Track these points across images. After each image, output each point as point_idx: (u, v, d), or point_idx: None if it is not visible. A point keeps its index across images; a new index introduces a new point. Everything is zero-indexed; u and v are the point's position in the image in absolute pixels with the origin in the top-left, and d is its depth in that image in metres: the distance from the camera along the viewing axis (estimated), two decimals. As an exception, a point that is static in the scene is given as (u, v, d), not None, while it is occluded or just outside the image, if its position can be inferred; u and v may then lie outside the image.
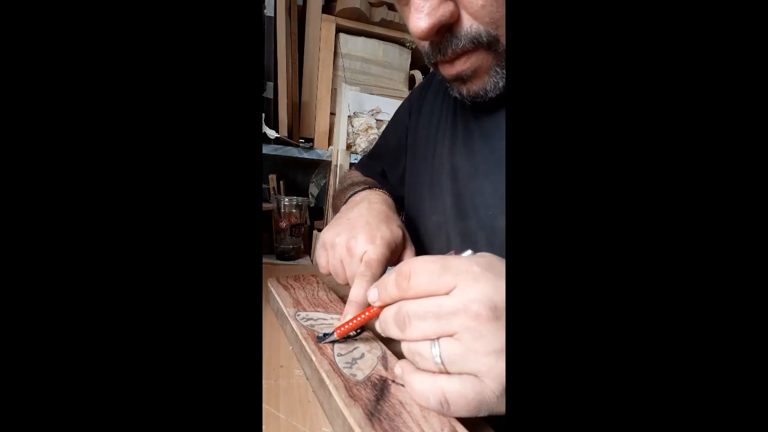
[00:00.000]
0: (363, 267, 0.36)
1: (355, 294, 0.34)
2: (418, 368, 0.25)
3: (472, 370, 0.23)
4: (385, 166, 0.62)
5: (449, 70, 0.36)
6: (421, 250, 0.48)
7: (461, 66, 0.34)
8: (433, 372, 0.24)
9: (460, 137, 0.44)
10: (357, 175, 0.63)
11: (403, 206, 0.56)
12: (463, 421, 0.23)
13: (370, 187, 0.50)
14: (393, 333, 0.26)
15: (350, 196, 0.49)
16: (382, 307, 0.28)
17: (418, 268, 0.25)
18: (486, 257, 0.26)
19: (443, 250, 0.45)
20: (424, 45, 0.35)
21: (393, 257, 0.39)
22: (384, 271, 0.37)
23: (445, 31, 0.32)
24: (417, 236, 0.49)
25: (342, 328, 0.31)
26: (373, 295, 0.28)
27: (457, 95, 0.38)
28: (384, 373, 0.27)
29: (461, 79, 0.36)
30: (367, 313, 0.30)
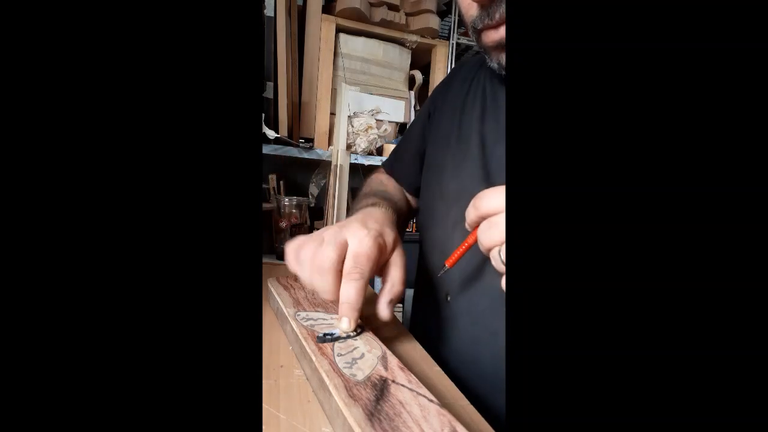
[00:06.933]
0: (350, 263, 0.34)
1: (346, 295, 0.33)
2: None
3: None
4: (406, 157, 0.63)
5: (493, 36, 0.39)
6: (438, 218, 0.49)
7: (504, 32, 0.38)
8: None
9: (489, 109, 0.48)
10: (376, 183, 0.63)
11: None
12: (463, 421, 0.23)
13: (373, 204, 0.48)
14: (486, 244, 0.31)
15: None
16: (476, 230, 0.32)
17: (484, 193, 0.31)
18: None
19: (462, 215, 0.44)
20: (473, 13, 0.39)
21: (381, 256, 0.36)
22: (374, 269, 0.35)
23: None
24: (434, 206, 0.51)
25: (452, 258, 0.37)
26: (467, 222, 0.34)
27: (495, 65, 0.42)
28: (384, 373, 0.27)
29: (502, 45, 0.39)
30: (469, 242, 0.35)
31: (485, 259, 0.31)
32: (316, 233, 0.38)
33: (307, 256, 0.35)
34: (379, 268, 0.37)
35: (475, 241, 0.32)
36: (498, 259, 0.29)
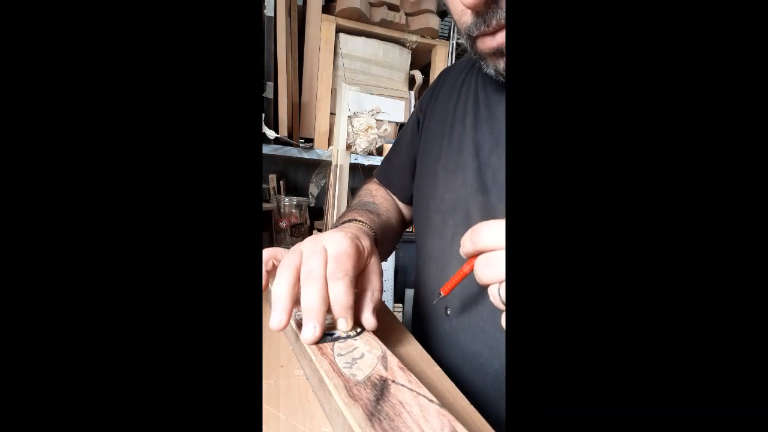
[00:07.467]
0: (333, 265, 0.34)
1: (336, 297, 0.33)
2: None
3: None
4: (397, 167, 0.63)
5: (490, 43, 0.37)
6: (435, 229, 0.49)
7: (502, 38, 0.37)
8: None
9: (483, 115, 0.47)
10: (365, 194, 0.63)
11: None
12: (463, 421, 0.23)
13: (350, 220, 0.49)
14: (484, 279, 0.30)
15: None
16: (473, 259, 0.32)
17: (482, 227, 0.30)
18: None
19: (459, 227, 0.44)
20: (466, 20, 0.37)
21: (359, 257, 0.37)
22: (356, 267, 0.35)
23: (491, 2, 0.35)
24: (429, 217, 0.50)
25: (447, 287, 0.36)
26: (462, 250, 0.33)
27: (492, 71, 0.40)
28: (384, 373, 0.27)
29: (500, 52, 0.38)
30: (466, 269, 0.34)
31: None
32: (291, 249, 0.37)
33: (289, 263, 0.34)
34: (357, 276, 0.37)
35: (471, 271, 0.32)
36: (497, 296, 0.29)
